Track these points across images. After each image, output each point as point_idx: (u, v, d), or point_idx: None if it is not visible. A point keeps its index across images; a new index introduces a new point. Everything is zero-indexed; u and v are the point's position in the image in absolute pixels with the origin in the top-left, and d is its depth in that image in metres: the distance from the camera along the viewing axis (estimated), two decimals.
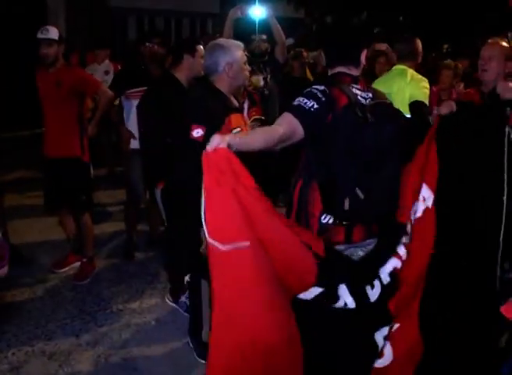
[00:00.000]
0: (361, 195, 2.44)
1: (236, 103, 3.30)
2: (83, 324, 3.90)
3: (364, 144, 2.45)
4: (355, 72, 2.63)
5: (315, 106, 2.40)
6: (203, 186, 2.02)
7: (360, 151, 2.46)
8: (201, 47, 3.99)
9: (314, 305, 2.31)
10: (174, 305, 4.11)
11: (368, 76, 5.34)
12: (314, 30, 12.28)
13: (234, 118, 3.07)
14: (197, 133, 2.95)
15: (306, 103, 2.41)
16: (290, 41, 7.70)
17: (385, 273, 2.44)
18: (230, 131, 2.93)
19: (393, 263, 2.46)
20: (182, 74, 3.92)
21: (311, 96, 2.44)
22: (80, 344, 3.65)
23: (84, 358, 3.50)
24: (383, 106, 2.60)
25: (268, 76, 5.05)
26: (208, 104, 3.07)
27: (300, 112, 2.39)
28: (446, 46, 11.40)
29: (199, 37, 9.69)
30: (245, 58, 3.29)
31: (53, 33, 4.28)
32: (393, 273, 2.45)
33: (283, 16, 12.01)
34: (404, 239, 2.51)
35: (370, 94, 2.61)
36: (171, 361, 3.49)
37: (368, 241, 2.57)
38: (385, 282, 2.43)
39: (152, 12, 11.11)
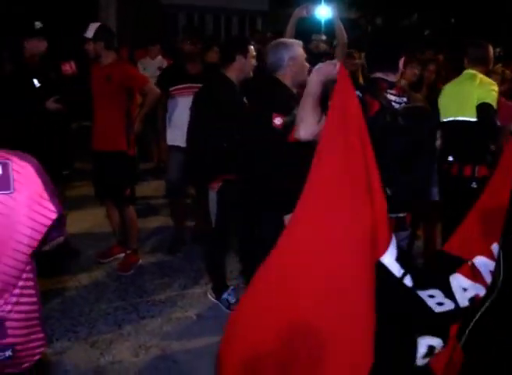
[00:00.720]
0: (389, 192, 2.53)
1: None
2: (126, 314, 3.94)
3: (394, 147, 2.62)
4: (392, 78, 2.80)
5: None
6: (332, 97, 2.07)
7: (390, 154, 2.60)
8: (252, 47, 3.99)
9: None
10: (216, 301, 4.11)
11: (416, 83, 5.27)
12: (370, 30, 12.16)
13: None
14: (278, 121, 3.08)
15: None
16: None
17: (464, 297, 2.35)
18: None
19: (477, 289, 2.38)
20: (232, 74, 3.90)
21: None
22: (121, 334, 3.68)
23: (125, 348, 3.53)
24: (416, 110, 2.77)
25: None
26: (280, 95, 3.23)
27: None
28: (498, 50, 11.06)
29: (249, 35, 9.74)
30: (305, 55, 3.42)
31: (89, 31, 4.36)
32: (473, 300, 2.37)
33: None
34: (492, 266, 2.45)
35: (405, 99, 2.74)
36: (210, 356, 3.43)
37: (400, 233, 2.69)
38: (461, 305, 2.35)
39: (202, 9, 11.15)
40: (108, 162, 4.54)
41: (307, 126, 2.52)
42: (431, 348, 2.33)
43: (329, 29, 5.07)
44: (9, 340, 1.76)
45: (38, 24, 4.31)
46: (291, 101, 3.18)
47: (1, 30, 4.70)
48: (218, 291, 4.12)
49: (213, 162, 3.81)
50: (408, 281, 2.19)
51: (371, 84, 2.75)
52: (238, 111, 3.74)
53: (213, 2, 10.82)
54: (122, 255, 4.78)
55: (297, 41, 3.43)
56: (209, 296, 4.18)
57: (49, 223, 1.75)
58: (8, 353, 1.77)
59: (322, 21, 5.14)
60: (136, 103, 4.63)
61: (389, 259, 2.14)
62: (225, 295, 4.07)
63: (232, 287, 4.15)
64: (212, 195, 3.93)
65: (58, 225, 1.86)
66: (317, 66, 2.50)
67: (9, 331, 1.75)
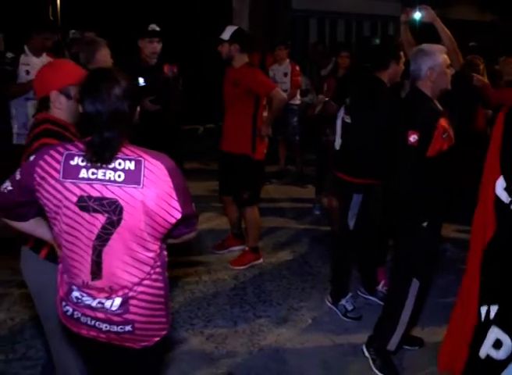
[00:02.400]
0: None
1: (440, 107, 3.22)
2: (242, 312, 3.98)
3: None
4: None
5: None
6: None
7: None
8: (402, 52, 3.95)
9: None
10: (332, 306, 4.03)
11: None
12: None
13: (443, 122, 3.08)
14: (413, 138, 3.03)
15: None
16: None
17: None
18: (441, 136, 3.01)
19: None
20: (385, 79, 3.88)
21: None
22: (236, 331, 3.72)
23: (239, 345, 3.56)
24: None
25: None
26: (419, 109, 3.16)
27: None
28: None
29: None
30: (448, 61, 3.27)
31: (226, 33, 4.46)
32: None
33: (466, 18, 11.23)
34: None
35: None
36: (322, 360, 3.41)
37: None
38: None
39: (334, 15, 11.00)
40: (233, 163, 4.65)
41: None
42: (498, 342, 2.53)
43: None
44: (130, 316, 1.91)
45: (153, 27, 4.45)
46: (429, 114, 3.09)
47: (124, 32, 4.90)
48: (337, 296, 4.03)
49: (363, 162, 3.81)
50: None
51: None
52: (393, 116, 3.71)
53: (345, 7, 10.63)
54: (237, 247, 4.95)
55: (440, 47, 3.29)
56: (326, 301, 4.11)
57: (173, 220, 1.86)
58: (128, 328, 1.92)
59: (417, 24, 4.78)
60: (263, 108, 4.65)
61: (499, 189, 2.61)
62: (342, 301, 3.98)
63: (350, 294, 4.04)
64: (357, 198, 3.85)
65: (188, 222, 1.99)
66: None
67: (131, 309, 1.90)
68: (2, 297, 4.12)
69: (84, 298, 1.91)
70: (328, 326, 3.81)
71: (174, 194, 1.84)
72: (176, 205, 1.85)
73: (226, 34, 4.46)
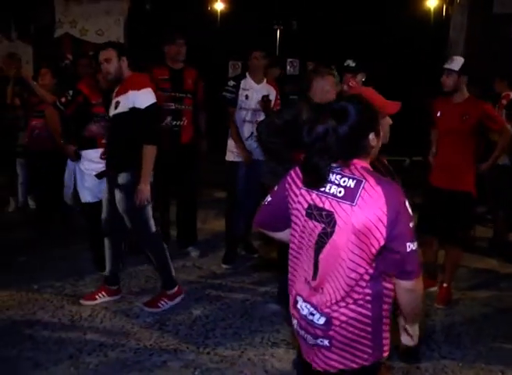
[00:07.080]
0: None
1: None
2: (428, 351, 3.90)
3: None
4: None
5: None
6: None
7: None
8: None
9: None
10: None
11: None
12: None
13: None
14: None
15: None
16: None
17: None
18: None
19: None
20: None
21: None
22: (419, 368, 3.70)
23: None
24: None
25: None
26: None
27: None
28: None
29: None
30: None
31: (455, 64, 4.38)
32: None
33: None
34: None
35: None
36: None
37: None
38: None
39: None
40: (450, 201, 4.53)
41: None
42: None
43: None
44: (330, 333, 2.06)
45: (349, 62, 4.57)
46: None
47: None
48: None
49: None
50: None
51: None
52: None
53: None
54: (432, 289, 4.88)
55: None
56: None
57: (376, 245, 1.93)
58: (326, 343, 2.08)
59: None
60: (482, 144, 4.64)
61: None
62: None
63: None
64: None
65: (404, 263, 1.95)
66: None
67: (332, 327, 2.05)
68: (201, 296, 4.72)
69: (303, 306, 2.11)
70: None
71: (385, 220, 1.88)
72: (383, 230, 1.88)
73: (455, 65, 4.39)
